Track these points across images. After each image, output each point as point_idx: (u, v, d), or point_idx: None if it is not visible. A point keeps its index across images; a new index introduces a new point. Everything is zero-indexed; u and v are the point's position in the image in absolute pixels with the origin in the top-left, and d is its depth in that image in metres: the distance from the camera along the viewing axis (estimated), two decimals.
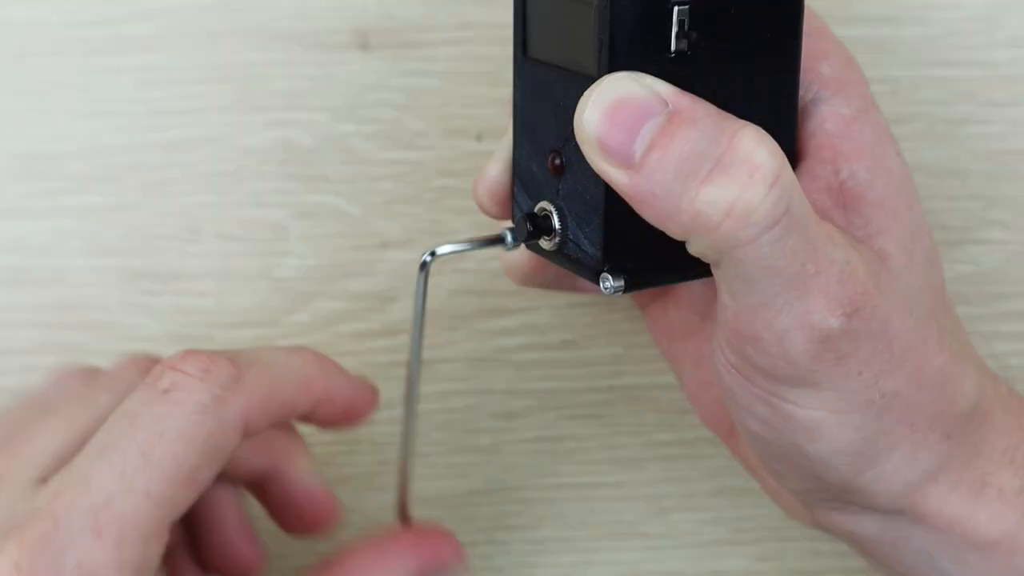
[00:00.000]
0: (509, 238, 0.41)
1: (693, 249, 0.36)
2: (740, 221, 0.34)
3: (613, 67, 0.36)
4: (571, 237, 0.39)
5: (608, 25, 0.36)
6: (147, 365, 0.43)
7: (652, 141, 0.35)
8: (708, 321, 0.45)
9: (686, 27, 0.37)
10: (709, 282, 0.43)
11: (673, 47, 0.37)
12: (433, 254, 0.42)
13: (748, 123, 0.35)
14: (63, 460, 0.39)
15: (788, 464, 0.40)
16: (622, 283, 0.38)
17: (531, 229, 0.40)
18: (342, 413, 0.45)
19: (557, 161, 0.39)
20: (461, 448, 0.52)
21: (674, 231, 0.36)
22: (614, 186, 0.36)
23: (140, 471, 0.38)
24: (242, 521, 0.47)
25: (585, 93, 0.36)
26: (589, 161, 0.36)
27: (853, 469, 0.39)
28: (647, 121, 0.35)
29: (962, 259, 0.51)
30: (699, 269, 0.38)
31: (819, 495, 0.41)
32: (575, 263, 0.39)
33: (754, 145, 0.34)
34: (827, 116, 0.40)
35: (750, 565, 0.52)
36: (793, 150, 0.40)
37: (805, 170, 0.40)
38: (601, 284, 0.38)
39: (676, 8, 0.36)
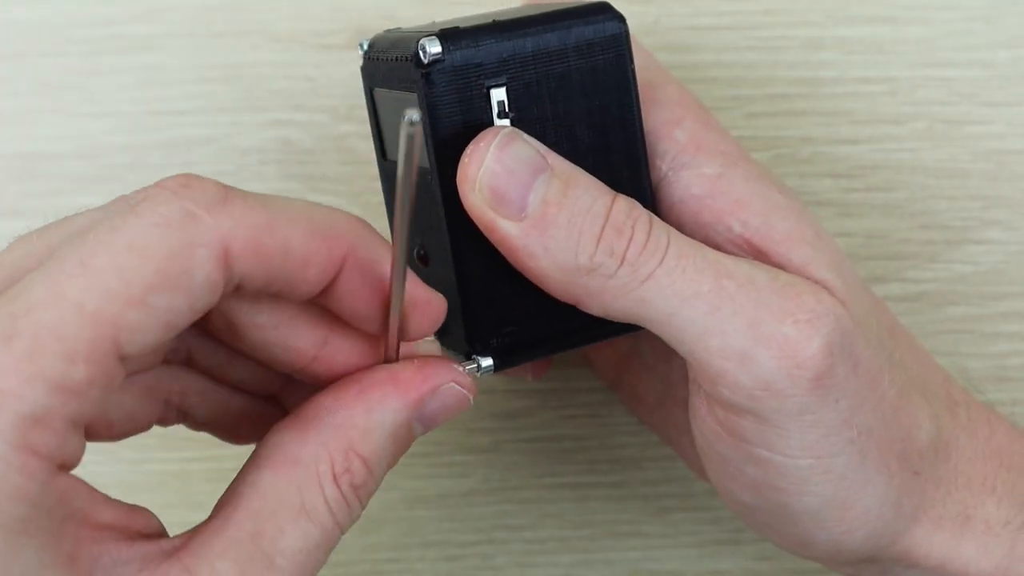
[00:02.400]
0: None
1: (595, 306, 0.37)
2: (631, 265, 0.36)
3: (441, 155, 0.37)
4: (444, 324, 0.39)
5: (429, 111, 0.37)
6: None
7: (546, 195, 0.36)
8: (674, 388, 0.45)
9: (506, 108, 0.37)
10: (665, 354, 0.43)
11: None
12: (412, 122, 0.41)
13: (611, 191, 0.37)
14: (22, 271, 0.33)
15: (779, 531, 0.40)
16: (491, 363, 0.39)
17: None
18: (382, 305, 0.36)
19: (422, 252, 0.40)
20: (461, 448, 0.52)
21: (561, 285, 0.37)
22: (496, 237, 0.37)
23: (74, 279, 0.31)
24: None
25: (471, 148, 0.36)
26: (474, 212, 0.37)
27: (842, 526, 0.39)
28: (538, 176, 0.36)
29: (962, 259, 0.51)
30: (573, 339, 0.39)
31: (812, 556, 0.41)
32: (451, 348, 0.40)
33: (630, 204, 0.37)
34: (691, 181, 0.39)
35: (750, 565, 0.53)
36: (653, 206, 0.40)
37: (703, 237, 0.39)
38: (474, 367, 0.39)
39: (492, 91, 0.37)
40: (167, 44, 0.49)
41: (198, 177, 0.33)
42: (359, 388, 0.36)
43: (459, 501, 0.52)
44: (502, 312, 0.39)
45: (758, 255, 0.38)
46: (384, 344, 0.37)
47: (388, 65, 0.39)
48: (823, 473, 0.38)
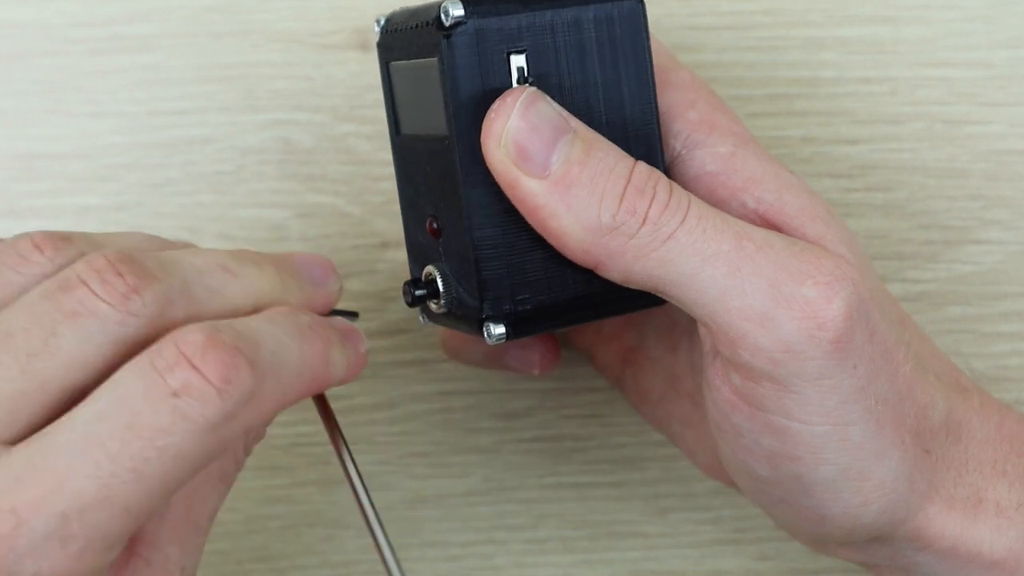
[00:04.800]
0: (420, 319, 0.42)
1: (616, 269, 0.37)
2: (653, 224, 0.36)
3: (460, 119, 0.37)
4: (455, 296, 0.40)
5: (449, 74, 0.37)
6: (59, 249, 0.35)
7: (569, 155, 0.37)
8: (679, 380, 0.45)
9: (525, 73, 0.38)
10: (670, 345, 0.43)
11: None
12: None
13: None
14: (20, 413, 0.33)
15: (794, 506, 0.40)
16: (503, 330, 0.39)
17: (417, 294, 0.40)
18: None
19: (435, 225, 0.40)
20: (461, 448, 0.52)
21: (582, 246, 0.37)
22: (519, 195, 0.37)
23: (126, 486, 0.32)
24: None
25: (497, 105, 0.37)
26: (497, 168, 0.37)
27: (859, 497, 0.39)
28: (562, 136, 0.37)
29: (962, 259, 0.51)
30: (587, 311, 0.40)
31: (827, 533, 0.41)
32: (463, 322, 0.40)
33: (649, 168, 0.37)
34: (706, 159, 0.40)
35: (750, 565, 0.52)
36: (664, 166, 0.40)
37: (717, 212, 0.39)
38: (484, 334, 0.39)
39: (512, 56, 0.38)
40: (167, 44, 0.49)
41: (230, 357, 0.33)
42: None
43: (459, 501, 0.52)
44: (516, 280, 0.39)
45: (773, 228, 0.39)
46: None
47: (408, 35, 0.39)
48: (840, 441, 0.38)
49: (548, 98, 0.37)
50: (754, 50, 0.49)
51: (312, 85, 0.49)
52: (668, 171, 0.40)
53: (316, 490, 0.51)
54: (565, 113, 0.37)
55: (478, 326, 0.39)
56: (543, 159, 0.36)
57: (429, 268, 0.40)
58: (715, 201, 0.39)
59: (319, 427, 0.51)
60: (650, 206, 0.37)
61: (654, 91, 0.39)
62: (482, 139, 0.37)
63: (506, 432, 0.52)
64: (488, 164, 0.37)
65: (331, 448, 0.51)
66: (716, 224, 0.37)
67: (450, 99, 0.37)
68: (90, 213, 0.50)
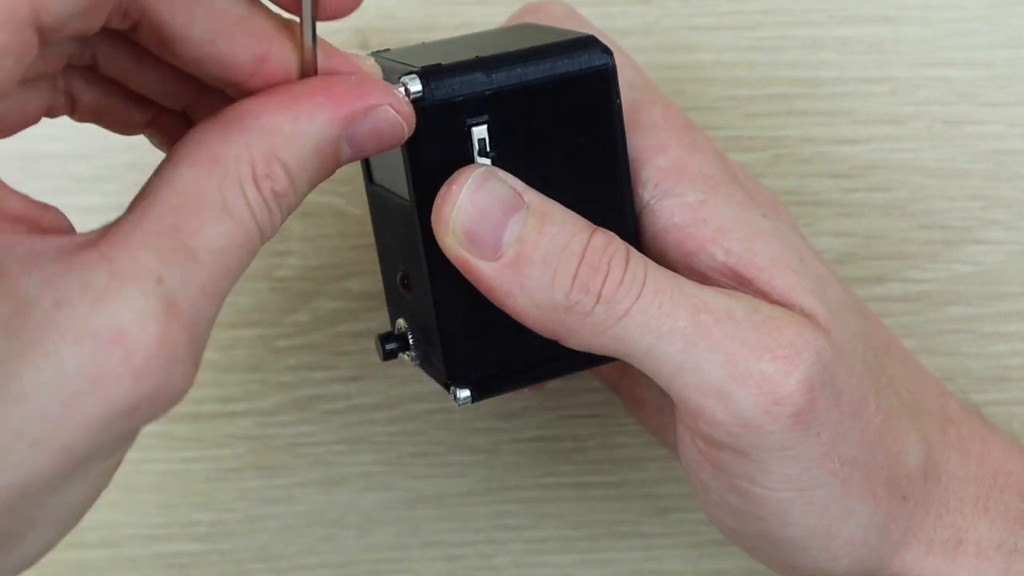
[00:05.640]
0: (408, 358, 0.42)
1: (574, 343, 0.37)
2: (607, 302, 0.36)
3: (420, 190, 0.37)
4: (424, 351, 0.40)
5: (409, 148, 0.36)
6: None
7: (521, 234, 0.36)
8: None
9: (487, 146, 0.37)
10: None
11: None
12: None
13: (591, 224, 0.37)
14: None
15: (764, 555, 0.40)
16: (468, 394, 0.39)
17: (387, 348, 0.41)
18: None
19: (406, 280, 0.40)
20: (461, 448, 0.52)
21: (539, 322, 0.37)
22: (472, 277, 0.37)
23: None
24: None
25: (445, 189, 0.36)
26: (449, 252, 0.37)
27: (827, 554, 0.39)
28: (513, 214, 0.36)
29: (961, 259, 0.51)
30: (552, 370, 0.40)
31: None
32: (434, 376, 0.40)
33: (607, 239, 0.37)
34: (674, 210, 0.39)
35: (750, 565, 0.52)
36: (635, 236, 0.39)
37: (686, 266, 0.39)
38: (453, 394, 0.39)
39: (473, 129, 0.37)
40: None
41: None
42: (289, 96, 0.34)
43: (458, 501, 0.52)
44: (481, 344, 0.39)
45: (742, 282, 0.38)
46: (300, 44, 0.35)
47: None
48: (806, 504, 0.38)
49: (499, 174, 0.37)
50: (754, 50, 0.49)
51: None
52: (637, 224, 0.39)
53: (316, 490, 0.51)
54: (520, 186, 0.37)
55: (445, 387, 0.39)
56: (494, 241, 0.36)
57: (400, 322, 0.41)
58: (684, 253, 0.38)
59: (319, 427, 0.51)
60: (603, 284, 0.36)
61: (624, 148, 0.38)
62: (432, 224, 0.36)
63: (505, 432, 0.52)
64: (441, 248, 0.37)
65: (331, 448, 0.51)
66: (673, 298, 0.36)
67: (409, 172, 0.37)
68: (90, 213, 0.50)
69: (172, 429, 0.51)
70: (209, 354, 0.51)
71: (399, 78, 0.36)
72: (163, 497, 0.51)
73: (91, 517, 0.51)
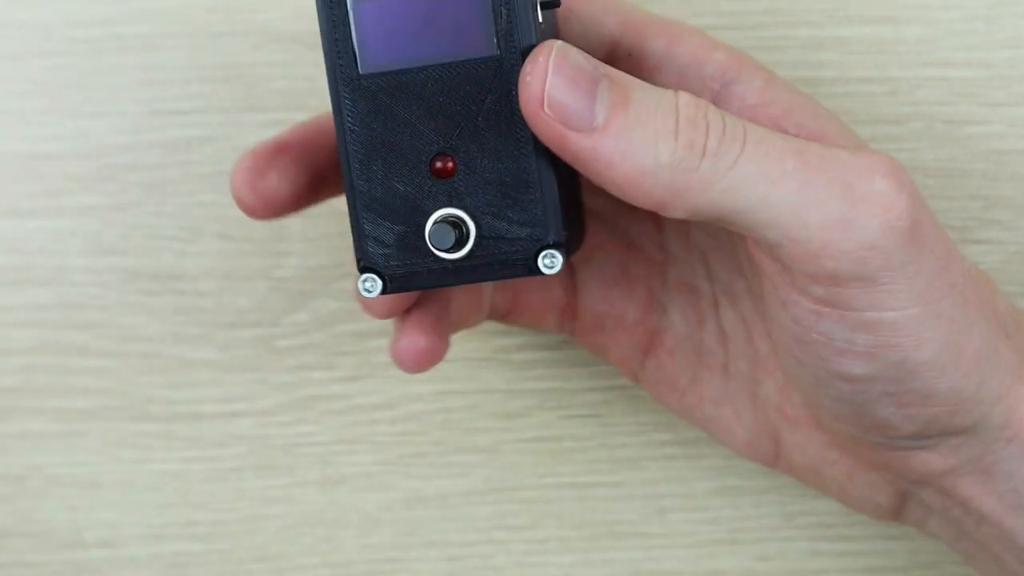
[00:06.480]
0: (376, 287, 0.38)
1: (680, 206, 0.37)
2: (714, 155, 0.36)
3: (518, 42, 0.36)
4: (486, 235, 0.38)
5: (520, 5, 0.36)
6: None
7: (612, 101, 0.36)
8: (709, 355, 0.46)
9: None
10: (697, 319, 0.44)
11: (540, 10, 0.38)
12: None
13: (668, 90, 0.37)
14: None
15: (898, 394, 0.40)
16: (562, 257, 0.38)
17: (449, 245, 0.37)
18: None
19: (449, 164, 0.38)
20: (461, 448, 0.52)
21: (643, 188, 0.36)
22: (570, 152, 0.36)
23: None
24: None
25: (531, 66, 0.36)
26: (542, 128, 0.36)
27: (960, 370, 0.39)
28: (599, 83, 0.36)
29: None
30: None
31: (932, 419, 0.40)
32: (489, 266, 0.38)
33: (691, 96, 0.37)
34: (744, 93, 0.41)
35: (750, 565, 0.52)
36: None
37: None
38: (543, 264, 0.37)
39: None
40: (167, 44, 0.49)
41: None
42: None
43: (459, 501, 0.52)
44: (562, 206, 0.38)
45: None
46: None
47: None
48: (934, 318, 0.38)
49: (575, 48, 0.37)
50: (754, 50, 0.49)
51: (312, 85, 0.49)
52: None
53: (316, 490, 0.51)
54: (593, 60, 0.37)
55: (531, 258, 0.38)
56: (588, 113, 0.36)
57: (445, 212, 0.38)
58: None
59: (319, 427, 0.51)
60: (707, 137, 0.36)
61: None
62: (522, 103, 0.36)
63: (506, 432, 0.52)
64: (531, 125, 0.36)
65: (331, 448, 0.51)
66: (776, 144, 0.37)
67: (515, 15, 0.36)
68: (90, 213, 0.50)
69: (172, 429, 0.51)
70: (209, 354, 0.51)
71: None
72: (163, 497, 0.51)
73: (91, 517, 0.51)
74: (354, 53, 0.37)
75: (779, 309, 0.40)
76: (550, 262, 0.37)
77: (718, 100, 0.41)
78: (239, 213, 0.50)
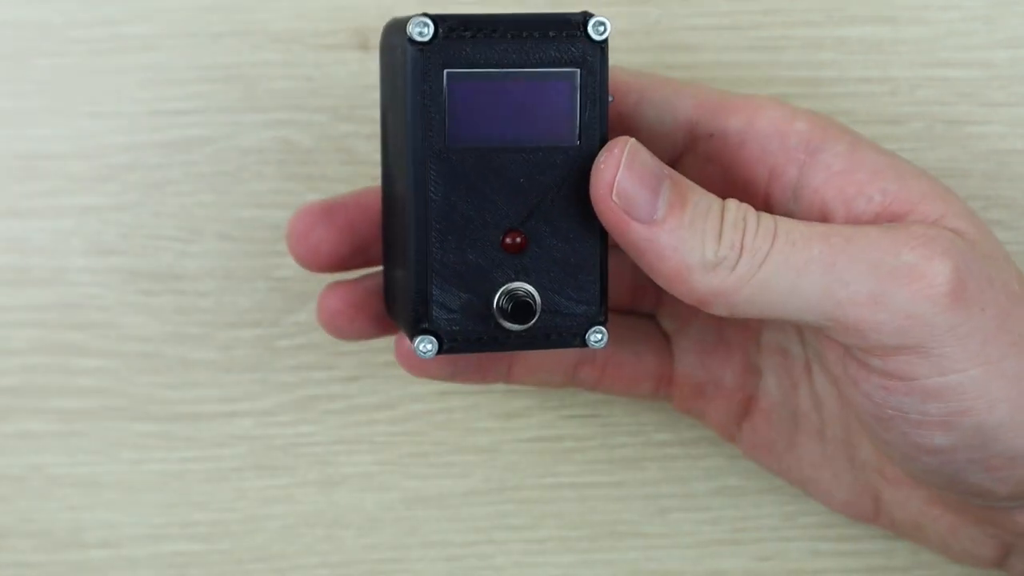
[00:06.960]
0: (433, 348, 0.40)
1: (720, 303, 0.39)
2: (749, 252, 0.38)
3: (597, 135, 0.39)
4: (545, 308, 0.40)
5: (599, 90, 0.39)
6: None
7: (671, 200, 0.38)
8: (804, 418, 0.46)
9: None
10: (791, 384, 0.46)
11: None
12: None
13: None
14: None
15: (981, 463, 0.40)
16: (607, 333, 0.41)
17: (513, 314, 0.39)
18: None
19: (518, 239, 0.40)
20: (461, 448, 0.52)
21: (687, 284, 0.38)
22: (630, 240, 0.38)
23: None
24: None
25: (605, 157, 0.38)
26: (608, 213, 0.38)
27: None
28: (663, 182, 0.38)
29: None
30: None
31: (1021, 486, 0.41)
32: (542, 338, 0.40)
33: (736, 202, 0.39)
34: (830, 161, 0.41)
35: (750, 565, 0.52)
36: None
37: (847, 211, 0.41)
38: (591, 339, 0.40)
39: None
40: (167, 44, 0.49)
41: None
42: None
43: (459, 501, 0.52)
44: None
45: (895, 218, 0.40)
46: None
47: (501, 43, 0.39)
48: (1000, 377, 0.39)
49: (644, 147, 0.39)
50: (754, 50, 0.49)
51: (312, 85, 0.49)
52: (798, 181, 0.42)
53: (316, 490, 0.51)
54: (659, 160, 0.39)
55: (580, 333, 0.40)
56: (650, 206, 0.38)
57: (516, 285, 0.40)
58: (846, 199, 0.41)
59: (319, 427, 0.51)
60: (743, 236, 0.38)
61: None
62: (592, 188, 0.38)
63: (506, 432, 0.52)
64: (598, 211, 0.39)
65: (331, 448, 0.51)
66: (804, 234, 0.39)
67: (598, 115, 0.39)
68: (90, 213, 0.50)
69: (172, 429, 0.51)
70: (209, 354, 0.51)
71: (584, 15, 0.39)
72: (163, 497, 0.51)
73: (91, 517, 0.51)
74: (444, 127, 0.39)
75: (852, 389, 0.41)
76: (598, 338, 0.40)
77: (805, 170, 0.42)
78: (239, 213, 0.50)
